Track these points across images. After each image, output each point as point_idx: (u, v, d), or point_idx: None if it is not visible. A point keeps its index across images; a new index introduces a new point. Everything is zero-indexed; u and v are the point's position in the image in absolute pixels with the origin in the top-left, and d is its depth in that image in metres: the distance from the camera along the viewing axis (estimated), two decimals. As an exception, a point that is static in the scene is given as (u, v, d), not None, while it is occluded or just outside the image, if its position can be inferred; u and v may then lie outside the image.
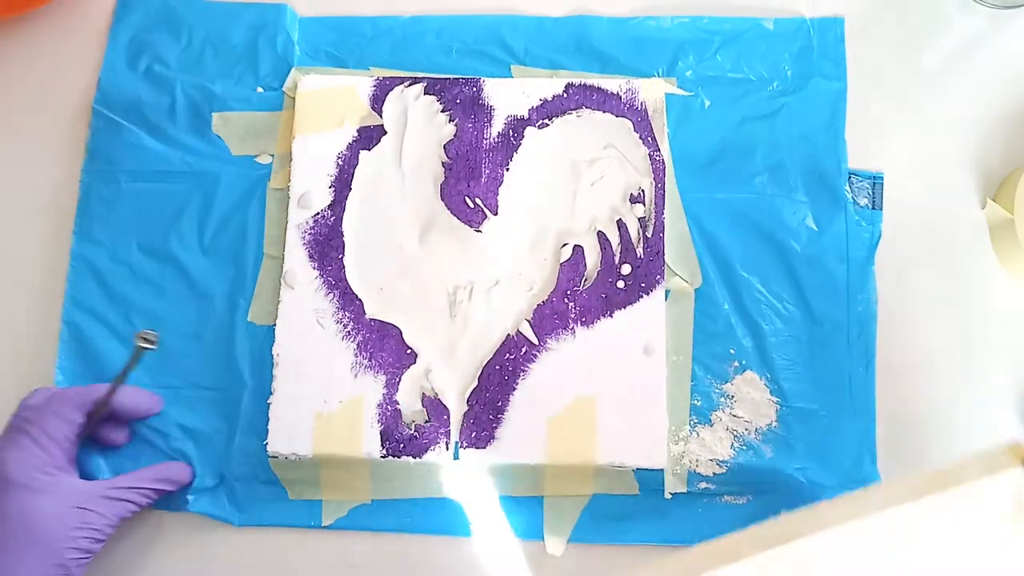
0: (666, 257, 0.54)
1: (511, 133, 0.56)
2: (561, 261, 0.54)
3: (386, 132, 0.56)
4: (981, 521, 0.41)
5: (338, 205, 0.55)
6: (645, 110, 0.56)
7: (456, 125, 0.56)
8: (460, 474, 0.52)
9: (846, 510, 0.40)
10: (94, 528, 0.48)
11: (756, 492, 0.52)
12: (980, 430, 0.54)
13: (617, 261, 0.54)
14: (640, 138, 0.55)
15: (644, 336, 0.52)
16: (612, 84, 0.56)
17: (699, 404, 0.53)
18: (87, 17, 0.61)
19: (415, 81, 0.57)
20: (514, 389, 0.52)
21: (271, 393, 0.52)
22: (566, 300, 0.53)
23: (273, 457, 0.52)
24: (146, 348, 0.49)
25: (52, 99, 0.60)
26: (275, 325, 0.53)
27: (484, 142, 0.56)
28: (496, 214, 0.54)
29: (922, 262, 0.56)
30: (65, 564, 0.46)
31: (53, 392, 0.50)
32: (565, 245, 0.54)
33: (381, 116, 0.56)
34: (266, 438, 0.52)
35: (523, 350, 0.52)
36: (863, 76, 0.58)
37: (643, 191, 0.55)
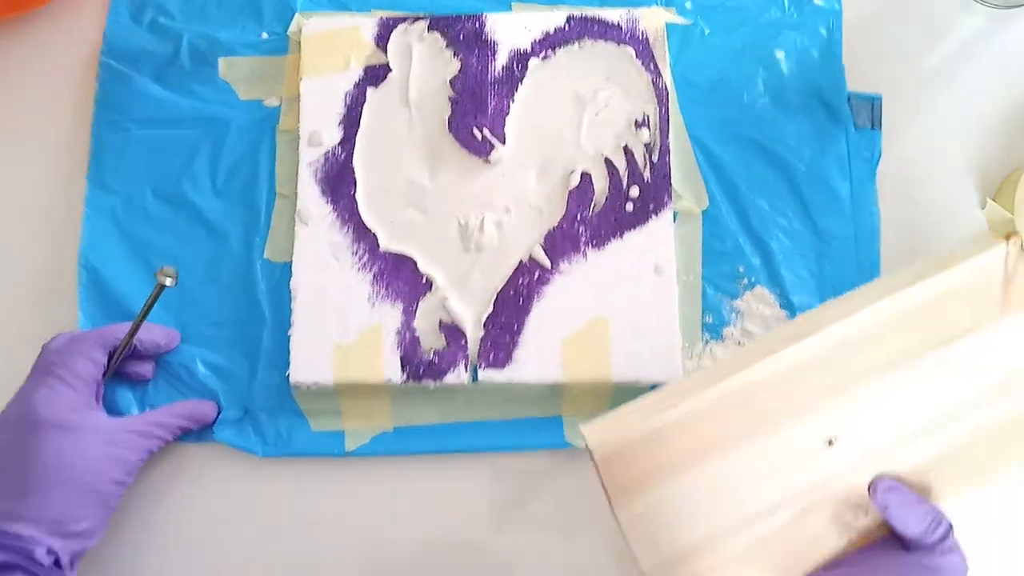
0: (672, 181, 0.55)
1: (515, 66, 0.57)
2: (569, 188, 0.55)
3: (391, 70, 0.57)
4: (978, 293, 0.45)
5: (348, 142, 0.55)
6: (646, 39, 0.57)
7: (461, 60, 0.57)
8: (479, 396, 0.53)
9: (859, 300, 0.45)
10: (126, 461, 0.49)
11: (770, 402, 0.53)
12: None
13: (625, 185, 0.55)
14: (642, 65, 0.56)
15: (654, 256, 0.53)
16: (613, 15, 0.57)
17: (710, 321, 0.54)
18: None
19: (418, 19, 0.58)
20: (529, 312, 0.53)
21: (291, 326, 0.53)
22: (576, 224, 0.54)
23: (296, 387, 0.53)
24: (166, 285, 0.50)
25: (60, 56, 0.60)
26: (291, 261, 0.54)
27: (489, 76, 0.56)
28: (504, 144, 0.55)
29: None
30: (101, 494, 0.47)
31: (75, 334, 0.51)
32: (573, 172, 0.55)
33: (386, 55, 0.57)
34: (287, 370, 0.52)
35: (536, 274, 0.53)
36: (863, 76, 0.58)
37: (647, 116, 0.56)
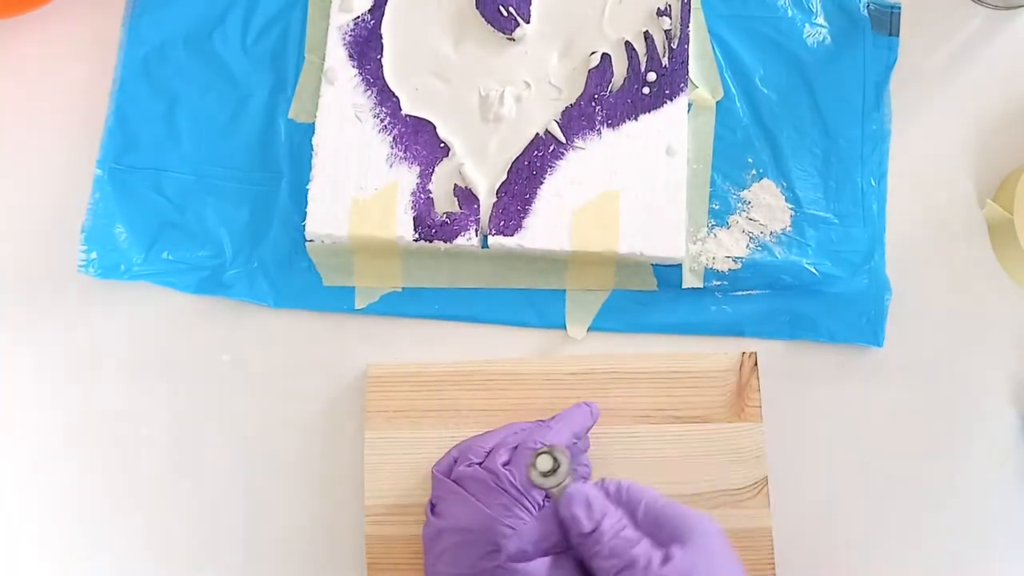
0: (689, 71, 0.56)
1: (544, -52, 0.58)
2: (589, 68, 0.56)
3: (425, -58, 0.58)
4: (713, 389, 0.53)
5: (378, 10, 0.57)
6: (673, -69, 0.58)
7: (492, -61, 0.58)
8: (488, 264, 0.55)
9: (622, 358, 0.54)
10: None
11: (770, 285, 0.55)
12: (978, 429, 0.55)
13: (643, 69, 0.56)
14: (668, -45, 0.58)
15: (667, 138, 0.55)
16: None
17: (717, 208, 0.56)
18: None
19: None
20: (542, 183, 0.54)
21: (310, 180, 0.54)
22: (593, 104, 0.56)
23: (310, 241, 0.54)
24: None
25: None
26: (314, 122, 0.56)
27: (518, -44, 0.58)
28: (528, 23, 0.57)
29: (922, 262, 0.57)
30: None
31: (520, 453, 0.47)
32: (593, 53, 0.56)
33: (420, -72, 0.58)
34: (302, 225, 0.54)
35: (551, 148, 0.55)
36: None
37: (669, 6, 0.57)
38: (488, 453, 0.48)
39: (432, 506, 0.48)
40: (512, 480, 0.45)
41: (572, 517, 0.41)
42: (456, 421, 0.53)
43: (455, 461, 0.49)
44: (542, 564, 0.44)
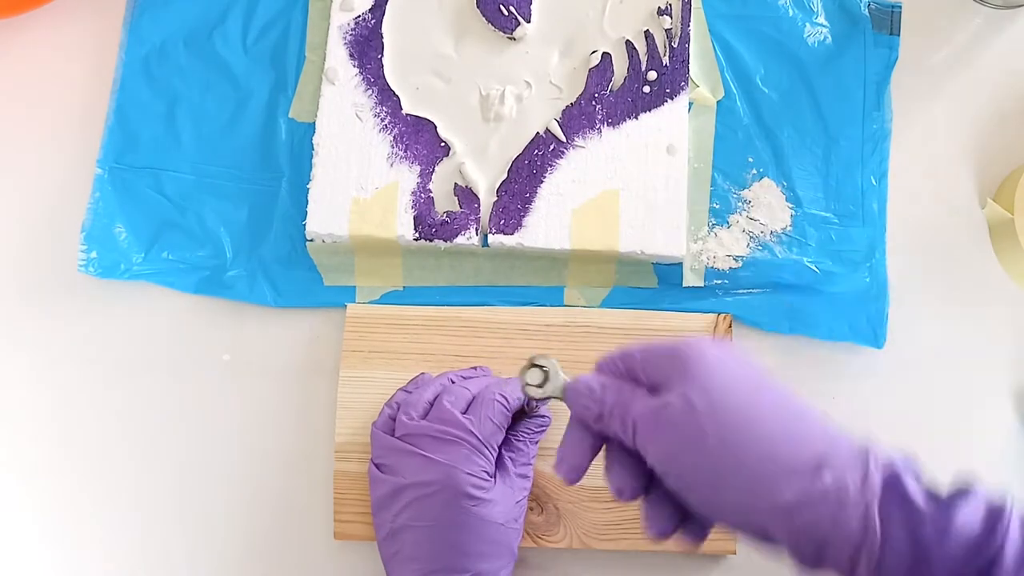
0: (690, 70, 0.56)
1: (545, -52, 0.58)
2: (590, 67, 0.56)
3: (425, -58, 0.58)
4: None
5: (379, 9, 0.57)
6: (674, -70, 0.58)
7: (492, -61, 0.58)
8: (488, 263, 0.55)
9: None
10: (524, 508, 0.49)
11: (770, 284, 0.55)
12: (978, 429, 0.55)
13: (644, 68, 0.56)
14: (669, -46, 0.58)
15: (668, 137, 0.55)
16: (643, -94, 0.58)
17: (717, 207, 0.56)
18: None
19: None
20: (542, 182, 0.54)
21: (310, 180, 0.54)
22: (594, 103, 0.56)
23: (310, 240, 0.54)
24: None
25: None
26: (315, 122, 0.55)
27: (518, -45, 0.58)
28: (528, 22, 0.57)
29: (922, 262, 0.57)
30: (514, 551, 0.47)
31: (481, 404, 0.47)
32: (594, 52, 0.56)
33: (420, -72, 0.58)
34: (303, 225, 0.54)
35: (551, 147, 0.55)
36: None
37: (670, 5, 0.57)
38: (431, 405, 0.48)
39: (377, 466, 0.48)
40: (472, 429, 0.46)
41: (582, 408, 0.39)
42: (430, 365, 0.53)
43: (392, 418, 0.48)
44: (503, 503, 0.46)
